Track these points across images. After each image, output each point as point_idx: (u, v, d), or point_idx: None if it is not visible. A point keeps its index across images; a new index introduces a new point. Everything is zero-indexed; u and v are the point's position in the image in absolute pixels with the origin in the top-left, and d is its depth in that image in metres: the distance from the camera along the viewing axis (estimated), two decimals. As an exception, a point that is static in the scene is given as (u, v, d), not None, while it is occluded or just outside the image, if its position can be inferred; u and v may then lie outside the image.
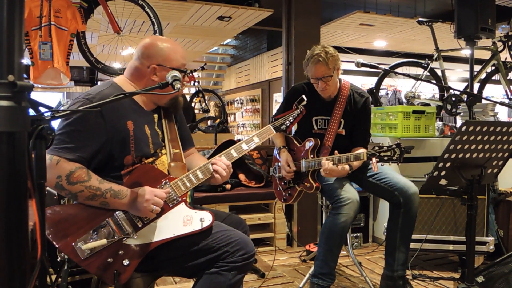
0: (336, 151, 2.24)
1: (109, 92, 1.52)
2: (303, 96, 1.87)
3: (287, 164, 2.45)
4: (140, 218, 1.51)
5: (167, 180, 1.56)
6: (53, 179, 1.41)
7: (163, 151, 1.65)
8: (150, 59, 1.59)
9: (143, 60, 1.60)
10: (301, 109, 1.83)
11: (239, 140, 1.77)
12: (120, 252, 1.47)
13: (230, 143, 1.75)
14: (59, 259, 1.45)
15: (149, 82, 1.59)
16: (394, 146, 2.08)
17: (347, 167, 2.21)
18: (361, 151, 2.23)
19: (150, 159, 1.59)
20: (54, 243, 1.43)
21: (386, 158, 2.09)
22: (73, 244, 1.43)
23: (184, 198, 1.58)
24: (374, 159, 2.10)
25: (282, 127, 1.80)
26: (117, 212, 1.49)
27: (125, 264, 1.46)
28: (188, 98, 7.62)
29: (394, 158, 2.07)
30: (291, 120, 1.80)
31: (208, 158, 1.71)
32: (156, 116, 1.67)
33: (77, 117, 1.45)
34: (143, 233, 1.50)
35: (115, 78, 1.67)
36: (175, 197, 1.56)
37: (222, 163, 1.63)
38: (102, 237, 1.45)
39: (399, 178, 2.35)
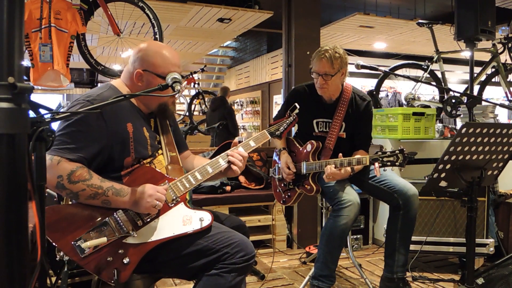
0: (340, 154, 2.24)
1: (108, 95, 1.53)
2: (296, 104, 1.89)
3: (287, 166, 2.45)
4: (140, 217, 1.51)
5: (166, 181, 1.57)
6: (54, 179, 1.40)
7: (160, 152, 1.68)
8: (138, 64, 1.60)
9: (134, 64, 1.62)
10: (294, 117, 1.88)
11: (239, 142, 1.80)
12: (120, 251, 1.47)
13: (230, 144, 1.78)
14: (57, 258, 1.44)
15: (142, 87, 1.61)
16: (397, 151, 2.07)
17: (349, 169, 2.21)
18: (363, 155, 2.23)
19: (148, 160, 1.61)
20: (53, 241, 1.42)
21: (389, 163, 2.08)
22: (72, 242, 1.42)
23: (184, 198, 1.59)
24: (376, 164, 2.10)
25: (276, 133, 1.85)
26: (117, 211, 1.50)
27: (125, 262, 1.46)
28: (188, 100, 7.64)
29: (397, 163, 2.06)
30: (285, 127, 1.86)
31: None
32: (152, 120, 1.70)
33: (78, 118, 1.45)
34: (143, 232, 1.51)
35: (112, 80, 1.69)
36: (174, 197, 1.57)
37: (238, 155, 1.66)
38: (102, 235, 1.45)
39: (399, 180, 2.34)
